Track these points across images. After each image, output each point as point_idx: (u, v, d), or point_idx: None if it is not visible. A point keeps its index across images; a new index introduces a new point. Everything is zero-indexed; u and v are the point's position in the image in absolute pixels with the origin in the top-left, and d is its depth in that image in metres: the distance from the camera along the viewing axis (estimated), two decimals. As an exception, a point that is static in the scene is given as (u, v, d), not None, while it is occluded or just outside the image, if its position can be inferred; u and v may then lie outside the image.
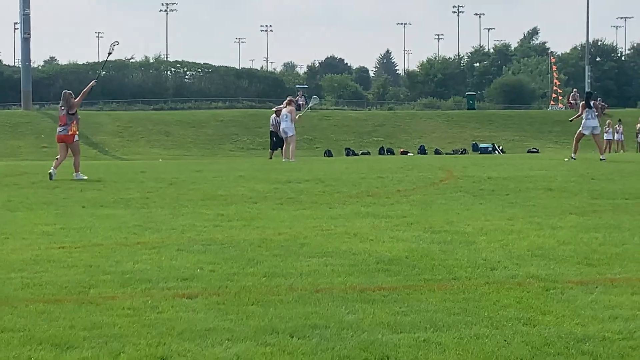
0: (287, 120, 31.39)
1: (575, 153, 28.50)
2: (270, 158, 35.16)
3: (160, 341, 6.33)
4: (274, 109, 36.87)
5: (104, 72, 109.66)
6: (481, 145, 51.14)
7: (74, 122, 22.20)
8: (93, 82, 23.25)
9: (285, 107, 32.11)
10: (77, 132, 22.35)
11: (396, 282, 8.35)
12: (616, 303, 7.39)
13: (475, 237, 11.05)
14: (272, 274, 8.73)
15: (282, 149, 33.59)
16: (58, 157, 21.99)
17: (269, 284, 8.27)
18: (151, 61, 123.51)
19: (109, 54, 24.10)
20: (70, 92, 22.55)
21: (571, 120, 31.66)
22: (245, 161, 33.45)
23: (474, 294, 7.78)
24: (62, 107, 22.32)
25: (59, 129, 22.28)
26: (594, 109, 28.68)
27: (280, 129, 32.21)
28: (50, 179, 20.41)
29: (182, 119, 55.77)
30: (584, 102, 29.04)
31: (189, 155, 44.31)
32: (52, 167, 21.23)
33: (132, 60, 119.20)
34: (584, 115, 28.45)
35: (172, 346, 6.21)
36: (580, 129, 28.57)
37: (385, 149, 51.35)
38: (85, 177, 20.96)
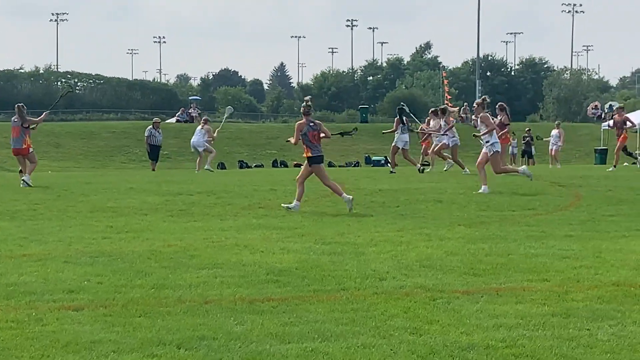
0: (199, 135, 31.76)
1: (394, 167, 28.90)
2: (153, 169, 35.13)
3: (44, 354, 6.23)
4: (153, 121, 37.01)
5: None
6: (374, 158, 51.52)
7: (28, 135, 22.81)
8: (46, 112, 24.42)
9: (202, 126, 32.47)
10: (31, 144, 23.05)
11: (286, 293, 8.36)
12: (500, 312, 7.51)
13: (365, 248, 11.13)
14: (161, 285, 8.66)
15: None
16: (21, 168, 23.17)
17: (157, 296, 8.20)
18: (41, 71, 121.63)
19: (61, 96, 24.31)
20: (22, 104, 23.21)
21: (384, 133, 32.36)
22: (137, 173, 33.16)
23: (363, 304, 7.83)
24: (16, 120, 22.91)
25: (13, 142, 23.03)
26: (407, 125, 29.01)
27: (193, 142, 32.64)
28: (28, 185, 21.59)
29: (73, 131, 55.10)
30: (398, 117, 29.04)
31: (80, 167, 43.75)
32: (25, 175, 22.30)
33: (21, 70, 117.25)
34: (398, 130, 28.64)
35: (56, 359, 6.12)
36: (395, 142, 28.76)
37: (279, 162, 51.44)
38: (31, 184, 21.74)
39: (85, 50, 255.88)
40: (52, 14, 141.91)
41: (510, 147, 46.61)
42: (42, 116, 23.92)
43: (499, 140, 20.61)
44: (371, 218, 14.77)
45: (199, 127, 32.75)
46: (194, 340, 6.61)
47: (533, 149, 48.02)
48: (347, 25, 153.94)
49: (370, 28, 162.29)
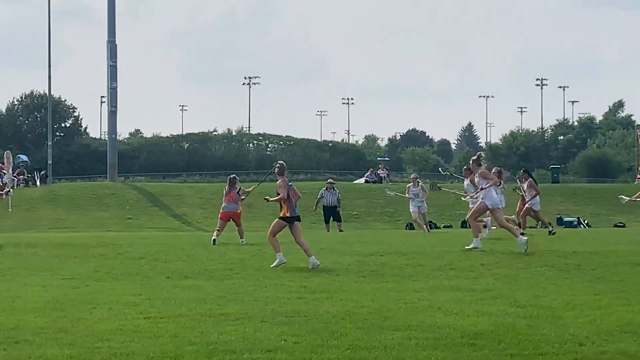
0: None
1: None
2: (328, 231, 35.70)
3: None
4: (327, 182, 37.95)
5: (187, 145, 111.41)
6: (566, 219, 50.43)
7: (240, 202, 25.29)
8: (254, 187, 26.72)
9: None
10: None
11: (482, 357, 8.27)
12: None
13: (562, 312, 10.90)
14: (356, 347, 8.70)
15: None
16: (218, 228, 24.70)
17: (353, 357, 8.24)
18: (234, 134, 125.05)
19: (270, 173, 25.33)
20: (235, 176, 26.05)
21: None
22: (327, 234, 33.50)
23: (562, 370, 7.66)
24: (230, 188, 25.23)
25: (226, 205, 25.12)
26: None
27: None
28: (214, 244, 23.08)
29: (264, 192, 56.12)
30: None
31: (267, 228, 44.48)
32: (214, 236, 23.92)
33: (214, 133, 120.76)
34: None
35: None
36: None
37: (467, 223, 50.98)
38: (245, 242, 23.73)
39: (276, 112, 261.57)
40: (245, 78, 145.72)
41: None
42: (251, 189, 26.29)
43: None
44: (567, 280, 14.46)
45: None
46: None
47: None
48: (537, 84, 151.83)
49: (560, 87, 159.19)
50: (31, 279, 14.80)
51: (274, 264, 17.17)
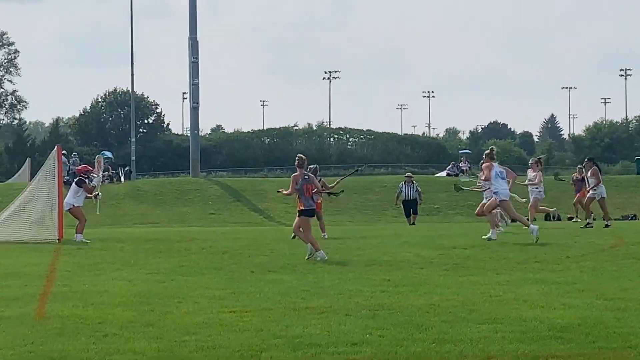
0: None
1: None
2: (411, 223, 35.64)
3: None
4: (405, 176, 37.82)
5: (268, 140, 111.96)
6: (651, 210, 49.63)
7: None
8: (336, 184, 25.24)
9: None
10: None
11: (569, 350, 8.18)
12: None
13: (651, 304, 10.73)
14: (442, 340, 8.67)
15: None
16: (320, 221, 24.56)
17: (439, 350, 8.21)
18: (314, 128, 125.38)
19: (353, 172, 25.23)
20: (316, 166, 25.56)
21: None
22: (410, 227, 33.41)
23: (652, 363, 7.55)
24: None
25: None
26: None
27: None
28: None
29: (345, 185, 56.25)
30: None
31: (353, 222, 44.52)
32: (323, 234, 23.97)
33: (295, 127, 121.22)
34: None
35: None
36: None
37: (551, 216, 50.45)
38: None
39: (356, 106, 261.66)
40: (325, 72, 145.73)
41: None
42: (331, 186, 25.26)
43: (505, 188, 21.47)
44: (654, 273, 14.24)
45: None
46: (479, 396, 6.57)
47: None
48: (621, 75, 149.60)
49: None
50: (118, 273, 15.02)
51: (321, 257, 17.19)
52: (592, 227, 27.12)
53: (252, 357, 8.04)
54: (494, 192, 21.44)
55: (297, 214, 18.17)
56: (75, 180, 25.01)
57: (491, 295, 11.79)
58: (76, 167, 33.47)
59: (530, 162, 29.71)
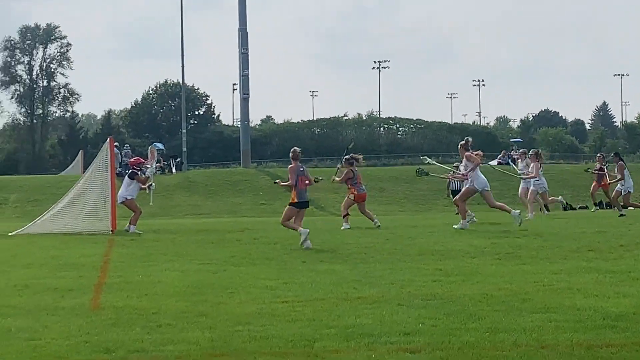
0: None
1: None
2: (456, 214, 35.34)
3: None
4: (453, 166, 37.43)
5: (317, 130, 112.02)
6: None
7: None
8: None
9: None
10: None
11: (624, 339, 8.11)
12: None
13: None
14: (495, 329, 8.64)
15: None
16: (368, 211, 24.72)
17: (492, 340, 8.18)
18: (364, 118, 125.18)
19: (345, 154, 25.28)
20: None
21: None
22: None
23: None
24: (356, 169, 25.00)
25: (362, 187, 25.08)
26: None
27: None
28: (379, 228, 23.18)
29: (396, 175, 56.07)
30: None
31: (403, 211, 44.43)
32: (375, 220, 23.96)
33: (345, 117, 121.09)
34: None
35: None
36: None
37: (604, 203, 50.02)
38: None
39: (406, 95, 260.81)
40: (374, 62, 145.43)
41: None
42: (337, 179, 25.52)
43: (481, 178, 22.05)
44: None
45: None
46: (533, 386, 6.55)
47: None
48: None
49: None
50: (170, 264, 15.12)
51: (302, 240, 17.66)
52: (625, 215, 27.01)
53: (305, 347, 8.07)
54: (470, 181, 22.26)
55: (288, 204, 18.72)
56: (127, 172, 25.20)
57: (544, 284, 11.73)
58: (129, 160, 33.75)
59: (519, 152, 30.05)
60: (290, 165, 18.73)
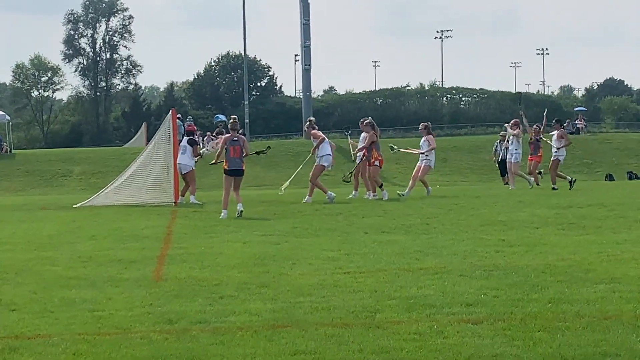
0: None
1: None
2: (505, 184, 34.98)
3: (448, 367, 6.34)
4: (500, 135, 36.93)
5: (380, 100, 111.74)
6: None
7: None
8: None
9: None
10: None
11: (690, 310, 7.99)
12: None
13: None
14: (558, 300, 8.57)
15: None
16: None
17: (555, 311, 8.12)
18: (426, 88, 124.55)
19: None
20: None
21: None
22: (525, 186, 32.99)
23: None
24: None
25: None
26: None
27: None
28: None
29: (459, 145, 55.82)
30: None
31: (467, 181, 44.21)
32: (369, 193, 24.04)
33: (407, 88, 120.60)
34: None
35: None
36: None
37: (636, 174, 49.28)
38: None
39: (469, 65, 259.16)
40: (437, 32, 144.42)
41: None
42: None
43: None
44: None
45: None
46: (597, 357, 6.50)
47: None
48: None
49: None
50: (232, 235, 15.20)
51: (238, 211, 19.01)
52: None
53: (367, 318, 8.07)
54: (427, 159, 24.78)
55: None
56: (187, 139, 25.12)
57: (609, 255, 11.61)
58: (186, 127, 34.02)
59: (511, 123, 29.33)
60: (225, 135, 20.46)
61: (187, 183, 24.30)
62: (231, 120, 20.94)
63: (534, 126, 29.48)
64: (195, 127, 26.70)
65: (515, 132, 28.70)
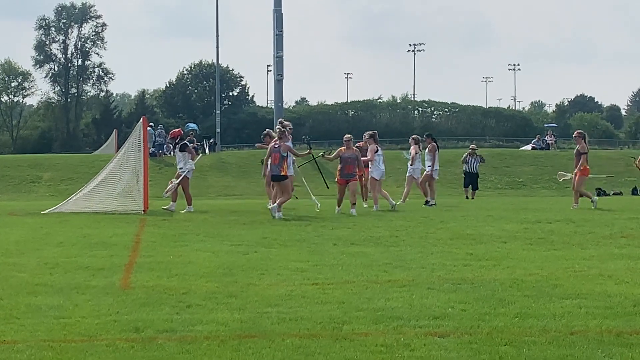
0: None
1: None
2: (467, 197, 35.48)
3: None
4: (470, 148, 37.75)
5: (352, 112, 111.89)
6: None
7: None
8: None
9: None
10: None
11: (655, 327, 8.05)
12: None
13: None
14: (525, 314, 8.61)
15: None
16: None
17: (521, 325, 8.16)
18: (398, 101, 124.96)
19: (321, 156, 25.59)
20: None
21: None
22: (494, 201, 33.17)
23: None
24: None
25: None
26: None
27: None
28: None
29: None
30: None
31: (439, 196, 44.35)
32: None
33: (379, 100, 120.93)
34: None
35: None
36: None
37: (638, 190, 49.69)
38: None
39: (441, 79, 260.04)
40: (410, 45, 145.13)
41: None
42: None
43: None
44: None
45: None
46: (562, 372, 6.52)
47: None
48: None
49: None
50: (202, 244, 15.16)
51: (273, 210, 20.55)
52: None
53: (334, 329, 8.07)
54: (413, 169, 27.06)
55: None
56: (179, 147, 24.90)
57: (576, 270, 11.68)
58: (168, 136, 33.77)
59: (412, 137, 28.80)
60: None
61: (186, 190, 24.25)
62: (278, 127, 22.06)
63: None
64: (183, 131, 26.50)
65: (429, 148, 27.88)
